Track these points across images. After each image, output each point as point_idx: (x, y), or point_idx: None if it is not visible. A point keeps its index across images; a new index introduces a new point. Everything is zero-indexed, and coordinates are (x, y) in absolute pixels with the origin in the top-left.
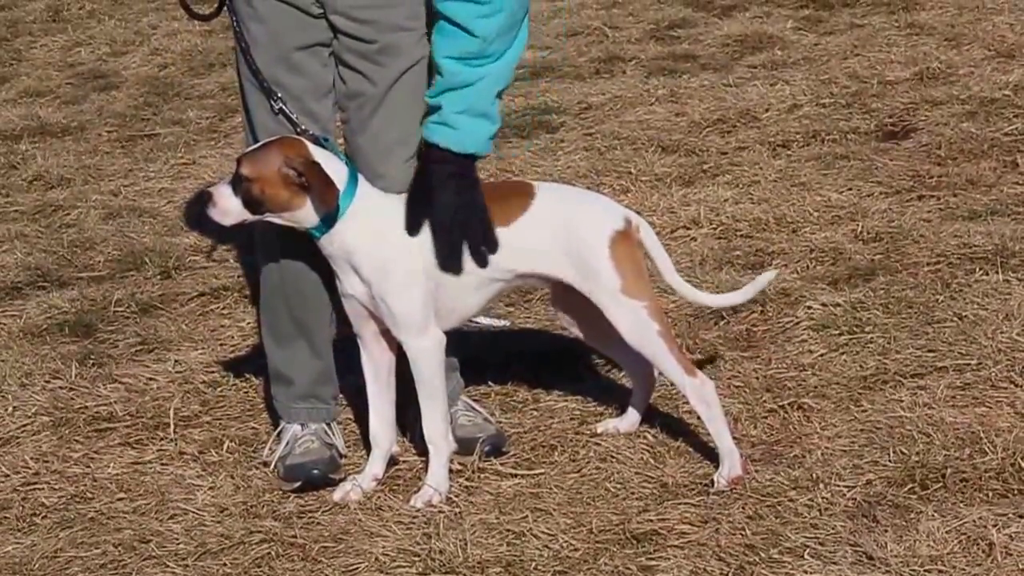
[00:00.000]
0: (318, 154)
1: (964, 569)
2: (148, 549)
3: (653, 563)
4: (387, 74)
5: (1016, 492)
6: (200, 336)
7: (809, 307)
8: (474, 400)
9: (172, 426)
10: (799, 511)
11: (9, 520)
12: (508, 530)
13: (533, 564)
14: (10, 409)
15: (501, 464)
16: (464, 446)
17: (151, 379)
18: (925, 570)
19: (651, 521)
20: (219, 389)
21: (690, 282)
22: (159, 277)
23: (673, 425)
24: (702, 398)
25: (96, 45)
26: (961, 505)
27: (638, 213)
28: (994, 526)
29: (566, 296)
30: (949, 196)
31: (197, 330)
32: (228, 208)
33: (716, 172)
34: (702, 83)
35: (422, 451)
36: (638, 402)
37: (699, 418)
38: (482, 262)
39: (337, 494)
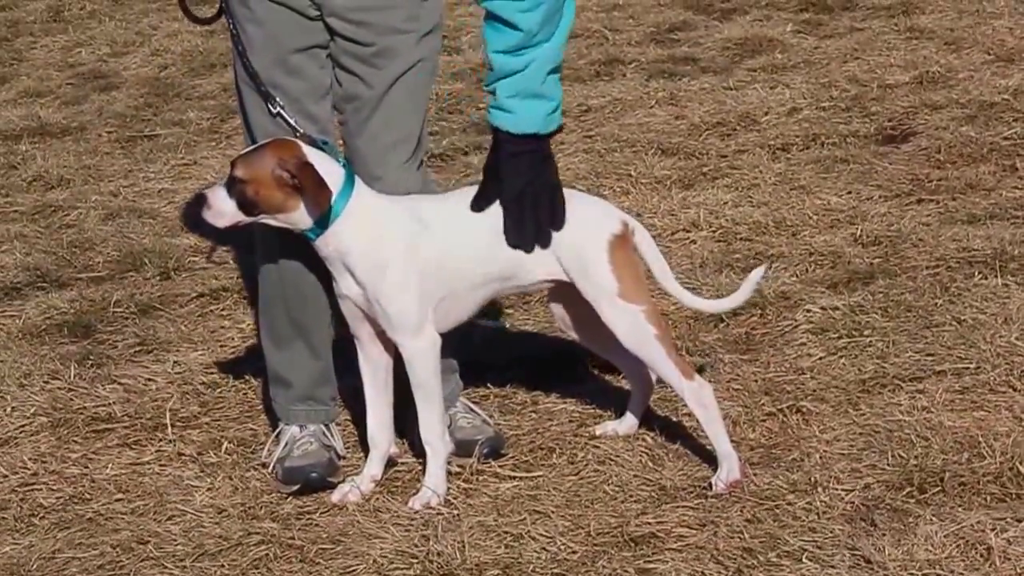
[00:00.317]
0: (312, 156)
1: (962, 573)
2: (146, 550)
3: (651, 566)
4: (384, 76)
5: (1014, 496)
6: (199, 337)
7: (808, 311)
8: (473, 402)
9: (170, 427)
10: (797, 515)
11: (7, 521)
12: (506, 532)
13: (531, 566)
14: (8, 409)
15: (499, 466)
16: (463, 448)
17: (150, 380)
18: (923, 574)
19: (649, 524)
20: (218, 390)
21: (689, 285)
22: (158, 278)
23: (671, 428)
24: (700, 401)
25: (96, 45)
26: (959, 509)
27: (638, 216)
28: (992, 530)
29: (565, 298)
30: (948, 200)
31: (196, 331)
32: (223, 210)
33: (716, 175)
34: (702, 86)
35: (420, 453)
36: (636, 405)
37: (697, 421)
38: (546, 242)
39: (335, 496)
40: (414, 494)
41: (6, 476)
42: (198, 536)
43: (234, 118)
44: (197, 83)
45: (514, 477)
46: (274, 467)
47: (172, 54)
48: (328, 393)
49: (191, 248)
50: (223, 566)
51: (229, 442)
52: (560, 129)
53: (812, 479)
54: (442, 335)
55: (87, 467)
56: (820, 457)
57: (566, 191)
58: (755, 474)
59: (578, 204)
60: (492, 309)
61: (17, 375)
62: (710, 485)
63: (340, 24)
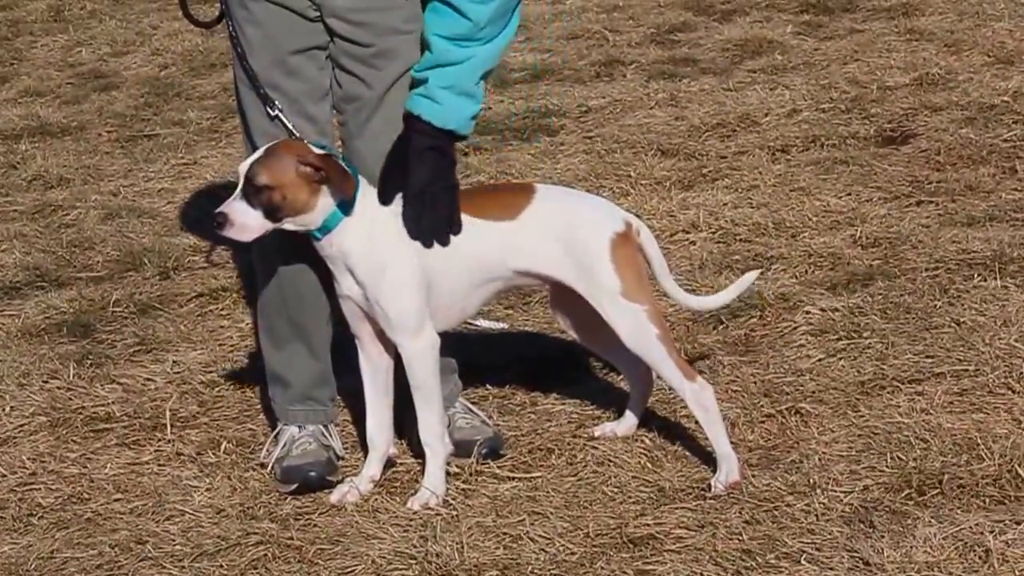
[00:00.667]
0: (318, 150)
1: (960, 575)
2: (144, 550)
3: (650, 567)
4: (384, 77)
5: (1013, 499)
6: (198, 337)
7: (807, 312)
8: (472, 403)
9: (169, 427)
10: (796, 516)
11: (5, 520)
12: (505, 533)
13: (530, 567)
14: (7, 409)
15: (498, 467)
16: (462, 448)
17: (149, 380)
18: None
19: (648, 525)
20: (217, 390)
21: (688, 286)
22: (158, 278)
23: (671, 429)
24: (700, 402)
25: (97, 45)
26: (958, 511)
27: (637, 217)
28: (991, 532)
29: (565, 298)
30: (948, 202)
31: (195, 331)
32: (246, 223)
33: (715, 176)
34: (702, 87)
35: (419, 454)
36: (636, 406)
37: (697, 422)
38: (443, 241)
39: (334, 496)
40: (413, 495)
41: (5, 476)
42: (196, 536)
43: (234, 118)
44: (197, 83)
45: (513, 478)
46: (273, 467)
47: (172, 54)
48: (327, 394)
49: (191, 248)
50: (221, 566)
51: (228, 442)
52: (465, 138)
53: (811, 481)
54: (442, 335)
55: (86, 467)
56: (819, 459)
57: (569, 191)
58: (754, 476)
59: (581, 203)
60: (492, 309)
61: (16, 374)
62: (709, 486)
63: (340, 25)
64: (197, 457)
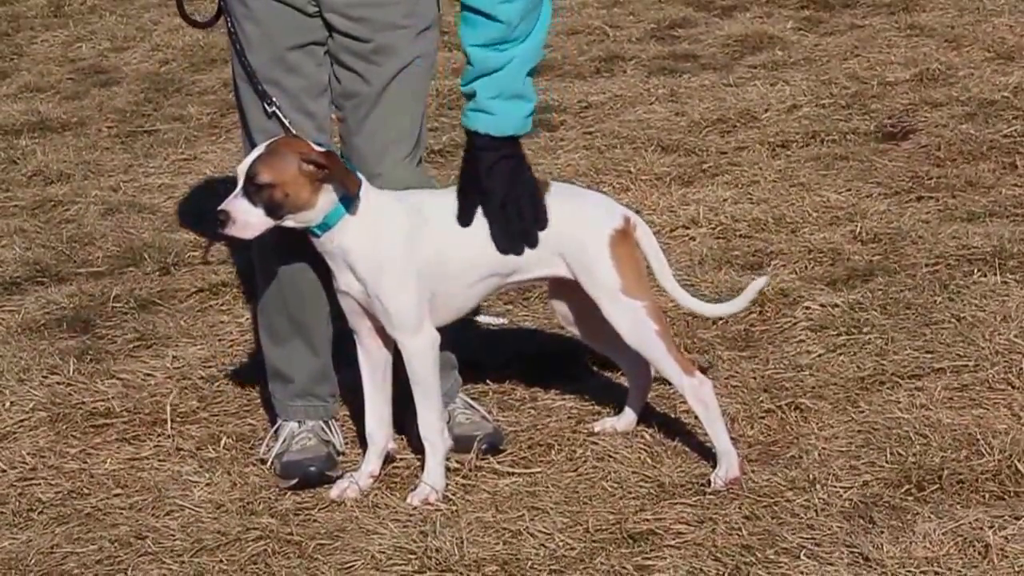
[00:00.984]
0: (319, 148)
1: (960, 571)
2: (144, 545)
3: (649, 563)
4: (383, 73)
5: (1013, 494)
6: (198, 332)
7: (807, 308)
8: (472, 398)
9: (169, 422)
10: (796, 512)
11: (5, 515)
12: (504, 528)
13: (529, 563)
14: (7, 404)
15: (498, 462)
16: (462, 444)
17: (149, 375)
18: (921, 572)
19: (648, 521)
20: (217, 385)
21: (688, 282)
22: (158, 273)
23: (670, 425)
24: (700, 398)
25: (97, 40)
26: (957, 507)
27: (637, 212)
28: (990, 528)
29: (564, 294)
30: (948, 197)
31: (195, 326)
32: (248, 221)
33: (715, 172)
34: (702, 83)
35: (419, 449)
36: (635, 401)
37: (696, 418)
38: (534, 243)
39: (334, 491)
40: (412, 490)
41: (4, 471)
42: (196, 531)
43: (234, 113)
44: (197, 78)
45: (513, 473)
46: (272, 462)
47: (173, 49)
48: (327, 390)
49: (191, 243)
50: (221, 561)
51: (228, 437)
52: (530, 133)
53: (811, 476)
54: (442, 330)
55: (86, 462)
56: (819, 454)
57: (568, 187)
58: (753, 471)
59: (580, 199)
60: (492, 305)
61: (16, 370)
62: (709, 482)
63: (339, 20)
64: (197, 452)
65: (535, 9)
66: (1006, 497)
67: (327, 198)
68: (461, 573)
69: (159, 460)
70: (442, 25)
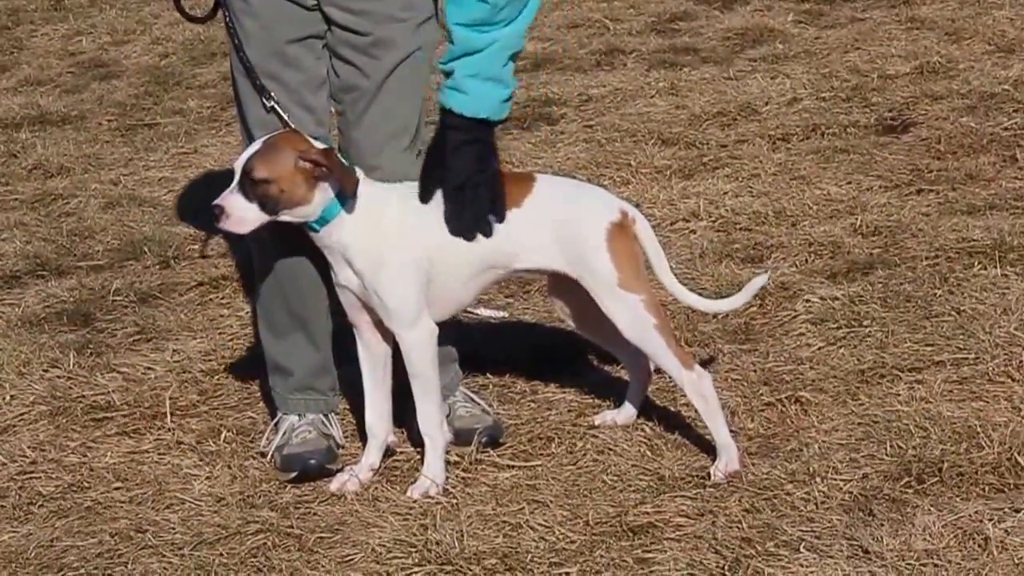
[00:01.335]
0: (318, 144)
1: (959, 563)
2: (144, 539)
3: (649, 555)
4: (382, 67)
5: (1012, 486)
6: (199, 326)
7: (807, 301)
8: (472, 391)
9: (169, 416)
10: (795, 504)
11: (5, 509)
12: (504, 522)
13: (529, 556)
14: (8, 398)
15: (498, 455)
16: (461, 437)
17: (149, 368)
18: (920, 564)
19: (647, 513)
20: (217, 379)
21: (688, 275)
22: (158, 266)
23: (670, 418)
24: (699, 391)
25: (97, 34)
26: (957, 499)
27: (637, 206)
28: (990, 520)
29: (563, 287)
30: (948, 190)
31: (196, 320)
32: (244, 216)
33: (716, 165)
34: (703, 76)
35: (419, 442)
36: (635, 395)
37: (696, 411)
38: (488, 231)
39: (334, 485)
40: (412, 483)
41: (5, 464)
42: (196, 525)
43: (234, 107)
44: (198, 72)
45: (513, 466)
46: (272, 455)
47: (173, 43)
48: (327, 383)
49: (191, 237)
50: (221, 554)
51: (228, 431)
52: (505, 120)
53: (810, 469)
54: (441, 324)
55: (86, 455)
56: (818, 447)
57: (566, 180)
58: (753, 464)
59: (578, 193)
60: (492, 298)
61: (16, 363)
62: (708, 475)
63: (338, 13)
64: (197, 446)
65: None
66: (1006, 490)
67: (324, 194)
68: (461, 566)
69: (159, 453)
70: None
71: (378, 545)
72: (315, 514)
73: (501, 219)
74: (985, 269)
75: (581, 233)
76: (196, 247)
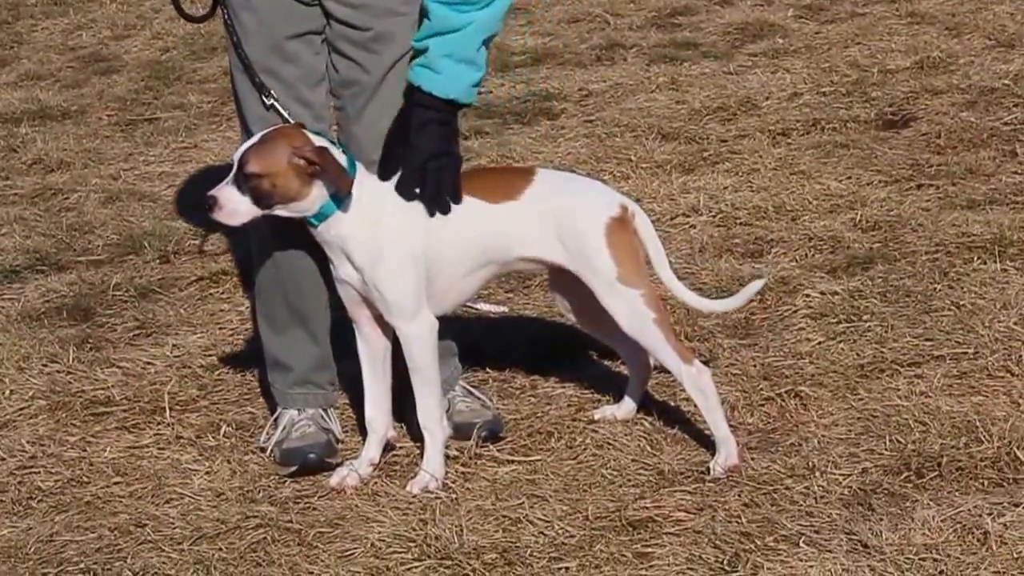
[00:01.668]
0: (318, 141)
1: (959, 558)
2: (144, 533)
3: (649, 550)
4: (381, 62)
5: (1011, 481)
6: (198, 320)
7: (807, 295)
8: (472, 386)
9: (169, 410)
10: (795, 499)
11: (5, 504)
12: (504, 516)
13: (529, 550)
14: (7, 393)
15: (498, 450)
16: (461, 431)
17: (149, 363)
18: (920, 559)
19: (647, 508)
20: (216, 373)
21: (688, 270)
22: (158, 261)
23: (670, 413)
24: (699, 386)
25: (97, 28)
26: (957, 494)
27: (637, 200)
28: (989, 515)
29: (564, 282)
30: (948, 185)
31: (195, 314)
32: (236, 209)
33: (716, 160)
34: (703, 71)
35: (418, 437)
36: (635, 389)
37: (696, 406)
38: (444, 210)
39: (333, 479)
40: (412, 478)
41: (4, 459)
42: (196, 519)
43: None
44: (198, 66)
45: (512, 461)
46: (272, 450)
47: (173, 37)
48: (327, 378)
49: (191, 232)
50: (221, 549)
51: (228, 425)
52: (468, 106)
53: (810, 464)
54: (441, 318)
55: (85, 450)
56: (818, 442)
57: (566, 175)
58: (753, 459)
59: (577, 187)
60: (492, 293)
61: (16, 358)
62: (708, 469)
63: (338, 8)
64: (197, 440)
65: None
66: (1005, 484)
67: (321, 190)
68: (460, 561)
69: (159, 448)
70: None
71: (377, 540)
72: (315, 509)
73: (459, 200)
74: (985, 264)
75: (581, 227)
76: (196, 242)
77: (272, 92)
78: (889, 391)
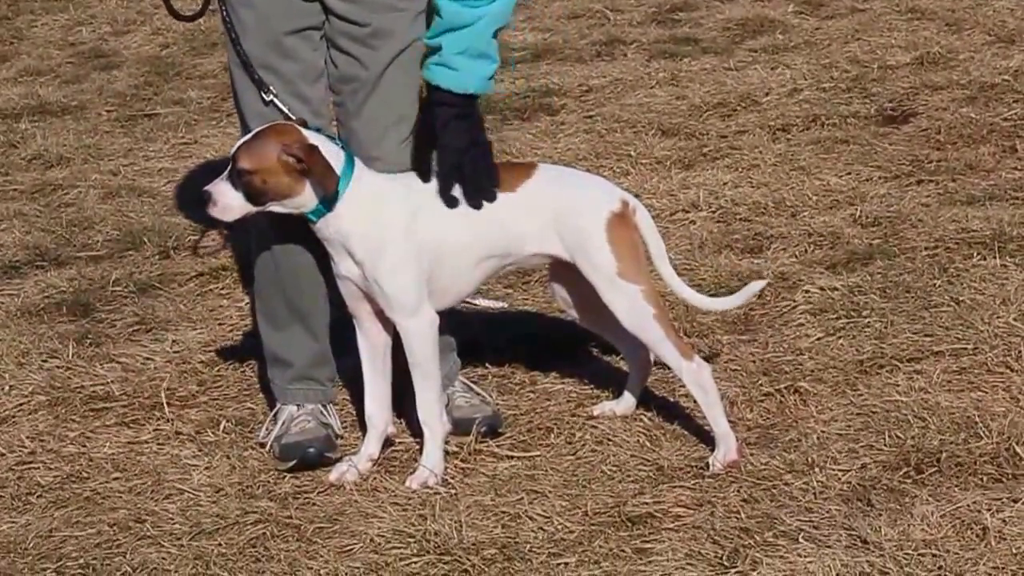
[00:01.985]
0: (314, 138)
1: (958, 553)
2: (143, 529)
3: (648, 545)
4: (380, 57)
5: (1010, 476)
6: (198, 316)
7: (807, 291)
8: (471, 381)
9: (168, 406)
10: (794, 495)
11: (4, 499)
12: (503, 512)
13: (528, 546)
14: (7, 388)
15: (497, 446)
16: (460, 426)
17: (148, 359)
18: (919, 554)
19: (646, 504)
20: (216, 369)
21: (688, 265)
22: (157, 257)
23: (669, 408)
24: (698, 382)
25: (97, 24)
26: (956, 489)
27: (637, 196)
28: (988, 510)
29: (564, 277)
30: (948, 181)
31: (195, 310)
32: (229, 204)
33: (716, 156)
34: (703, 66)
35: (418, 432)
36: (634, 385)
37: (695, 401)
38: (492, 198)
39: (333, 475)
40: (411, 474)
41: (3, 455)
42: (195, 515)
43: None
44: (198, 62)
45: (512, 457)
46: (271, 445)
47: (173, 33)
48: (326, 374)
49: (190, 227)
50: (220, 544)
51: (227, 421)
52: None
53: (809, 459)
54: (441, 314)
55: (85, 446)
56: (817, 437)
57: (567, 170)
58: (752, 454)
59: (578, 182)
60: (492, 288)
61: (15, 353)
62: (707, 465)
63: (336, 3)
64: (196, 436)
65: None
66: (1004, 480)
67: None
68: (460, 556)
69: (158, 444)
70: None
71: (377, 535)
72: (314, 504)
73: (498, 184)
74: (984, 260)
75: (581, 223)
76: (196, 238)
77: (271, 88)
78: (888, 387)
